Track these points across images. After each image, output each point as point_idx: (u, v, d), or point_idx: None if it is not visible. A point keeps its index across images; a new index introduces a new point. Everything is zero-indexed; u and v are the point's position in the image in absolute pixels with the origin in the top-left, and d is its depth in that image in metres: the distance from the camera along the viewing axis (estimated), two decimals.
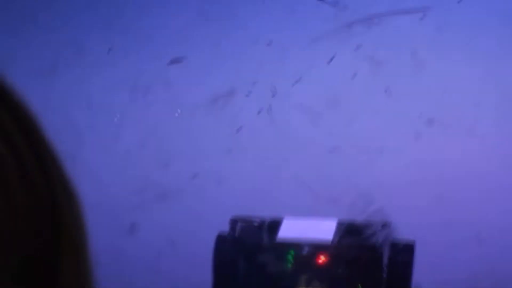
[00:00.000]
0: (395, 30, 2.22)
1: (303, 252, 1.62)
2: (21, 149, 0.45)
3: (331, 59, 2.25)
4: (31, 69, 2.15)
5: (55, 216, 0.46)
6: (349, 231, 1.65)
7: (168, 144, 2.14)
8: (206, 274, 1.67)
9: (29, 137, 0.46)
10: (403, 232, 1.81)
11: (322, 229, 1.64)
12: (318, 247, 1.62)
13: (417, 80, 2.17)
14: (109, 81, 2.18)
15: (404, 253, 1.65)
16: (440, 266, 1.78)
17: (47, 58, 2.19)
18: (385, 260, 1.66)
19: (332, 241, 1.62)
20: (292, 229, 1.65)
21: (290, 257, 1.62)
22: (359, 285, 1.62)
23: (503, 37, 2.11)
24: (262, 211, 1.74)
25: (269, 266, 1.62)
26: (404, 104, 2.17)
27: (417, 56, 2.17)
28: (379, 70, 2.24)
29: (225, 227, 1.68)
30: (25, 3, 2.24)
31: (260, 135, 2.19)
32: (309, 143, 2.17)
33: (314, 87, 2.24)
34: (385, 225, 1.70)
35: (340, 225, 1.66)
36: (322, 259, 1.62)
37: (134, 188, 2.06)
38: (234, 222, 1.66)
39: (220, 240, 1.64)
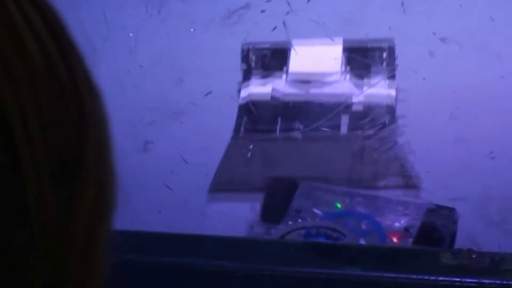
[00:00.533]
0: None
1: None
2: (47, 44, 0.45)
3: None
4: None
5: (80, 107, 0.46)
6: None
7: (182, 61, 2.14)
8: None
9: (56, 35, 0.46)
10: (416, 149, 1.83)
11: None
12: None
13: None
14: None
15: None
16: (453, 183, 1.80)
17: None
18: None
19: None
20: None
21: None
22: None
23: None
24: None
25: None
26: (418, 20, 2.16)
27: None
28: None
29: None
30: None
31: None
32: None
33: (329, 3, 2.23)
34: None
35: None
36: None
37: (148, 106, 2.07)
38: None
39: None
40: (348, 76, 1.99)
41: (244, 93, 2.01)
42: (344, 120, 1.88)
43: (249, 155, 1.84)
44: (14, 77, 0.41)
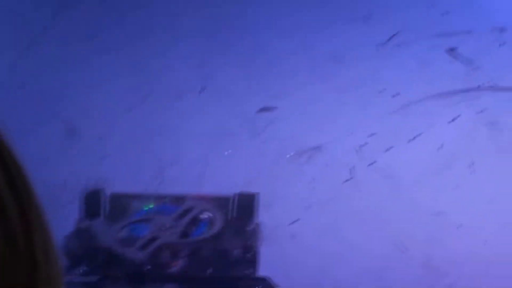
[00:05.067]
0: None
1: None
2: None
3: (453, 119, 2.18)
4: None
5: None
6: None
7: (270, 188, 2.15)
8: None
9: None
10: None
11: None
12: None
13: None
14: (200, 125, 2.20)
15: None
16: None
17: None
18: None
19: None
20: None
21: None
22: None
23: None
24: None
25: None
26: None
27: None
28: (498, 137, 2.15)
29: None
30: None
31: (366, 187, 2.16)
32: (413, 204, 2.12)
33: (429, 147, 2.18)
34: None
35: None
36: None
37: None
38: None
39: None
40: None
41: None
42: None
43: None
44: None
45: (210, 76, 2.20)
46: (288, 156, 2.16)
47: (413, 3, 2.23)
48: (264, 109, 2.18)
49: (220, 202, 2.05)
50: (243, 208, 2.04)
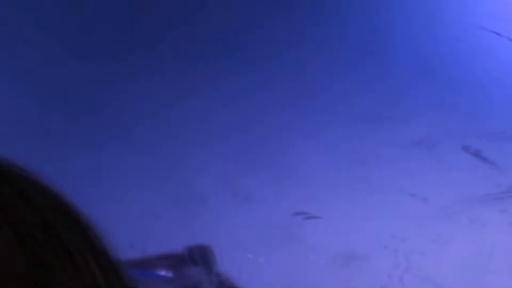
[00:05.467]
0: None
1: None
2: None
3: (483, 225, 2.17)
4: None
5: None
6: None
7: None
8: None
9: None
10: None
11: None
12: None
13: None
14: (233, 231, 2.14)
15: None
16: None
17: None
18: None
19: None
20: None
21: None
22: None
23: None
24: None
25: None
26: None
27: None
28: None
29: None
30: None
31: None
32: None
33: (462, 250, 2.16)
34: None
35: None
36: None
37: None
38: None
39: None
40: None
41: None
42: None
43: None
44: None
45: (240, 182, 2.14)
46: (323, 262, 2.09)
47: (437, 106, 2.24)
48: (297, 214, 2.12)
49: None
50: None
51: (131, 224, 2.01)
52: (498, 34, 2.23)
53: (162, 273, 1.97)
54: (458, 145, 2.21)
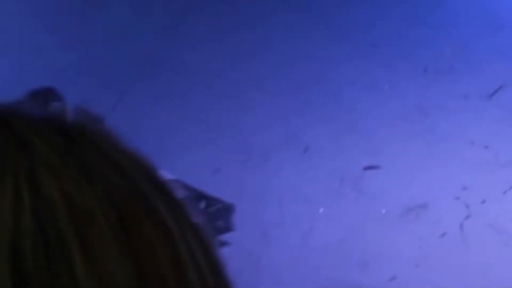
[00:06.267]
0: None
1: None
2: (208, 279, 0.50)
3: None
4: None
5: None
6: None
7: (368, 245, 2.10)
8: None
9: (215, 272, 0.51)
10: None
11: None
12: None
13: None
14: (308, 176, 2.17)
15: None
16: None
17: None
18: None
19: None
20: None
21: None
22: None
23: None
24: None
25: None
26: None
27: None
28: None
29: None
30: None
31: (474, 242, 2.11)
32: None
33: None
34: None
35: None
36: None
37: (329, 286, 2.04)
38: None
39: None
40: None
41: None
42: None
43: None
44: None
45: (310, 137, 2.17)
46: (384, 212, 2.11)
47: (501, 53, 2.21)
48: (367, 168, 2.14)
49: None
50: None
51: (191, 178, 2.06)
52: None
53: None
54: None
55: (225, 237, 2.00)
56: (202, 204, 1.97)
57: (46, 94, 1.86)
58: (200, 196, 1.97)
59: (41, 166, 0.50)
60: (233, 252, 2.03)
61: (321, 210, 2.10)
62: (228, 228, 2.01)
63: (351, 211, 2.09)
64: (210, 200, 1.98)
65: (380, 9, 2.25)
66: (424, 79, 2.21)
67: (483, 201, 2.12)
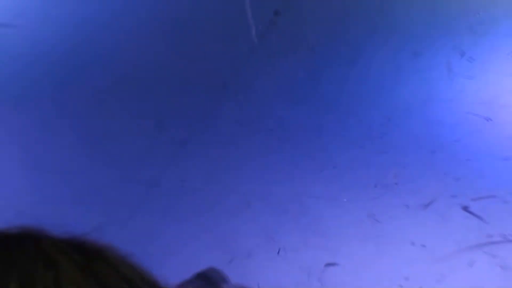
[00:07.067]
0: None
1: None
2: None
3: (471, 265, 2.74)
4: None
5: None
6: None
7: None
8: None
9: None
10: None
11: None
12: None
13: None
14: (282, 271, 2.78)
15: None
16: None
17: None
18: None
19: None
20: None
21: None
22: None
23: None
24: None
25: None
26: None
27: None
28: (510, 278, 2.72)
29: None
30: None
31: None
32: None
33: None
34: None
35: None
36: None
37: None
38: None
39: None
40: None
41: None
42: None
43: None
44: None
45: (284, 240, 2.77)
46: None
47: (434, 172, 2.77)
48: (328, 264, 2.75)
49: None
50: None
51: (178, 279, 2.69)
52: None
53: None
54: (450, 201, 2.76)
55: None
56: None
57: (211, 276, 2.31)
58: None
59: (65, 280, 0.56)
60: None
61: None
62: None
63: None
64: None
65: (339, 137, 2.80)
66: (374, 193, 2.78)
67: None
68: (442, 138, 2.73)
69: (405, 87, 2.78)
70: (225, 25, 2.82)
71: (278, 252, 2.78)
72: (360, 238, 2.78)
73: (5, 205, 2.77)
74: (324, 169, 2.82)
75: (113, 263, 0.63)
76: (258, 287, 2.72)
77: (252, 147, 2.84)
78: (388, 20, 2.76)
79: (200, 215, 2.81)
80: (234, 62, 2.81)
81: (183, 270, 2.60)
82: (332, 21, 2.74)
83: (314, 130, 2.81)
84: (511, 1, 2.75)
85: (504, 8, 2.76)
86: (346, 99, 2.78)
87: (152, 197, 2.82)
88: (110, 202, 2.85)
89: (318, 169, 2.82)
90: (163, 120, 2.93)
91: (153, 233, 2.78)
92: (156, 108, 2.96)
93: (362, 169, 2.79)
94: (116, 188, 2.86)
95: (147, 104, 2.93)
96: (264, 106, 2.84)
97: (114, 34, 2.83)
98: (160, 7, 2.86)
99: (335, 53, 2.78)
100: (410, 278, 2.75)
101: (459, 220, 2.75)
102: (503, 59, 2.76)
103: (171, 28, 2.87)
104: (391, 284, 2.75)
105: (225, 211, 2.81)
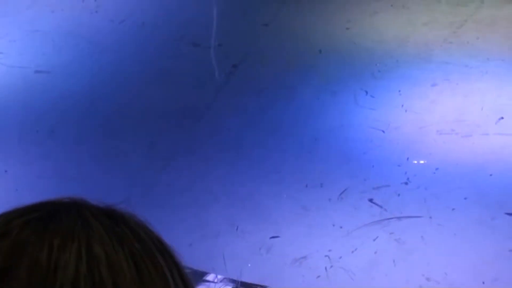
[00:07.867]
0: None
1: None
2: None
3: (375, 240, 3.89)
4: None
5: None
6: None
7: None
8: None
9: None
10: None
11: None
12: None
13: None
14: None
15: None
16: None
17: None
18: None
19: None
20: None
21: None
22: None
23: None
24: None
25: None
26: None
27: None
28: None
29: None
30: None
31: None
32: None
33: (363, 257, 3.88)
34: None
35: None
36: None
37: None
38: None
39: None
40: None
41: None
42: None
43: None
44: None
45: None
46: None
47: (349, 175, 3.94)
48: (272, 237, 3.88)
49: None
50: None
51: None
52: None
53: None
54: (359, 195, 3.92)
55: None
56: None
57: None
58: None
59: (94, 237, 0.73)
60: None
61: None
62: None
63: None
64: None
65: (281, 151, 3.96)
66: (306, 191, 3.94)
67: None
68: (355, 151, 3.91)
69: (327, 115, 3.96)
70: (195, 73, 3.99)
71: (237, 229, 3.90)
72: (296, 222, 3.91)
73: None
74: (270, 174, 3.97)
75: (131, 226, 0.78)
76: (223, 257, 3.84)
77: (222, 160, 3.99)
78: (319, 70, 3.96)
79: (182, 209, 3.93)
80: (205, 99, 3.97)
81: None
82: (278, 71, 3.94)
83: (264, 147, 3.98)
84: (400, 55, 3.99)
85: (396, 60, 4.00)
86: (286, 124, 3.94)
87: (149, 196, 3.93)
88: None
89: (264, 174, 3.97)
90: (154, 142, 4.07)
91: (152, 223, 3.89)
92: (147, 133, 4.09)
93: (298, 174, 3.95)
94: (118, 190, 3.97)
95: (142, 130, 4.07)
96: (229, 131, 4.00)
97: (120, 80, 3.98)
98: (150, 61, 4.03)
99: (279, 93, 3.96)
100: (332, 249, 3.85)
101: (366, 208, 3.90)
102: (395, 96, 3.98)
103: (158, 76, 4.05)
104: (318, 254, 3.88)
105: (200, 205, 3.94)
